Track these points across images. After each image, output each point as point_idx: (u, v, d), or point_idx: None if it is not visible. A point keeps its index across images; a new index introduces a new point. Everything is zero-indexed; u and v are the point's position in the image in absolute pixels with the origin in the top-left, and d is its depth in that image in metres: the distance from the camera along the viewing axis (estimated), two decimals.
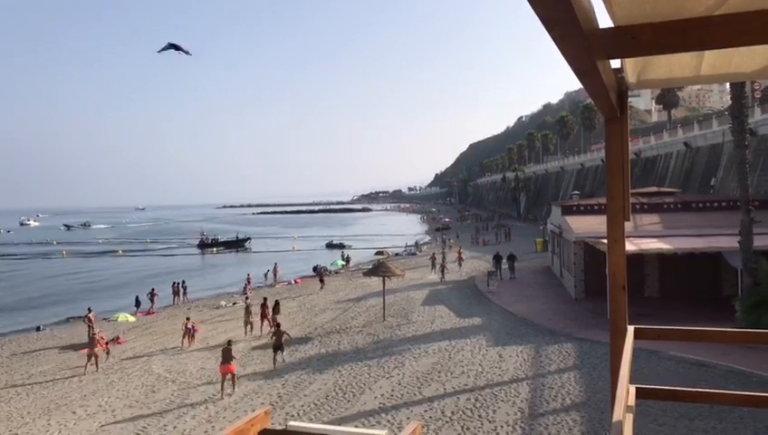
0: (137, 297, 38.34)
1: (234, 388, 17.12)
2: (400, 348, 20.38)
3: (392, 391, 15.84)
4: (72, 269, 64.15)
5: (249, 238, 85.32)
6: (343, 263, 55.21)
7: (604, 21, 2.01)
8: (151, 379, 19.32)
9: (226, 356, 17.18)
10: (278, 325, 21.38)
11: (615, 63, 2.63)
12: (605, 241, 3.20)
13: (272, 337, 21.19)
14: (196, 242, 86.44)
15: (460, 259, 43.79)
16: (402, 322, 24.91)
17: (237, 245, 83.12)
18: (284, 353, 20.05)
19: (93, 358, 21.29)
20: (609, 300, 3.16)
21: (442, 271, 37.93)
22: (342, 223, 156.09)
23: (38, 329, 32.62)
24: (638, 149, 62.31)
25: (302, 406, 15.13)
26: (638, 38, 2.05)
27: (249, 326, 25.65)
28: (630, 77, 2.78)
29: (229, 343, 18.39)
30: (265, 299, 27.96)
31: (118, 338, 26.39)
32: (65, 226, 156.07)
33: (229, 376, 17.06)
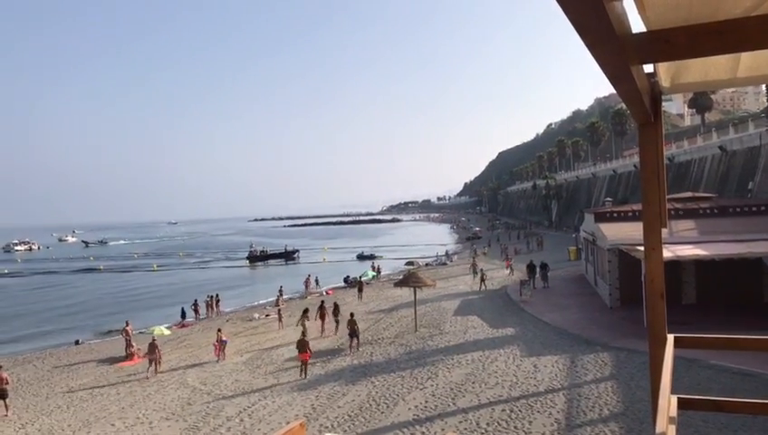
0: (182, 309, 39.58)
1: (306, 374, 19.77)
2: (433, 359, 20.26)
3: (426, 402, 15.73)
4: (111, 284, 65.63)
5: (298, 251, 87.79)
6: (374, 274, 55.32)
7: (637, 25, 1.99)
8: (187, 391, 19.54)
9: (302, 346, 20.22)
10: (351, 315, 24.39)
11: (648, 68, 2.59)
12: (640, 248, 3.14)
13: (348, 325, 23.73)
14: (246, 254, 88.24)
15: (510, 266, 45.59)
16: (434, 332, 24.77)
17: (287, 256, 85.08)
18: (359, 340, 23.24)
19: (153, 363, 22.90)
20: (647, 308, 3.09)
21: (482, 280, 37.52)
22: (372, 234, 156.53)
23: (77, 343, 33.42)
24: (672, 153, 61.19)
25: (336, 418, 15.13)
26: (673, 42, 2.02)
27: (303, 329, 25.64)
28: (664, 81, 2.74)
29: (303, 334, 22.30)
30: (323, 302, 30.21)
31: None
32: (84, 242, 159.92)
33: (305, 363, 20.11)
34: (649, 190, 2.94)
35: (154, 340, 24.04)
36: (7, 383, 19.56)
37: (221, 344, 24.33)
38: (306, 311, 28.49)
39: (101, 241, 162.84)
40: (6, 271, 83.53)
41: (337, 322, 27.58)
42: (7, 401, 19.20)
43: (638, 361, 17.39)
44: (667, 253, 21.40)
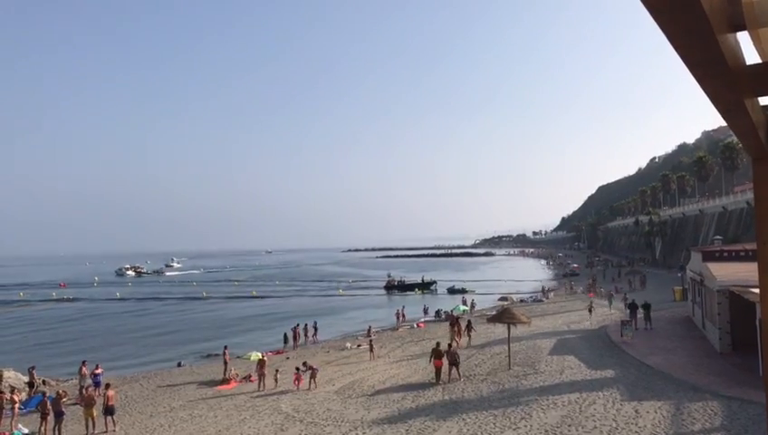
0: (285, 335, 40.91)
1: (440, 378, 23.14)
2: (527, 398, 19.62)
3: None
4: (212, 309, 68.54)
5: (435, 282, 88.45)
6: (466, 308, 54.52)
7: (752, 56, 1.92)
8: (280, 418, 19.94)
9: (437, 354, 23.56)
10: (449, 346, 26.25)
11: (764, 100, 2.48)
12: (755, 290, 2.96)
13: (447, 356, 24.45)
14: (383, 284, 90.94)
15: (612, 296, 47.22)
16: (529, 371, 24.02)
17: (424, 287, 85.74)
18: (459, 370, 23.83)
19: (262, 378, 25.55)
20: (763, 355, 2.90)
21: (590, 311, 39.59)
22: (464, 267, 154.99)
23: (179, 365, 35.01)
24: None
25: None
26: None
27: (456, 343, 30.49)
28: None
29: (438, 344, 24.72)
30: (457, 319, 35.72)
31: (250, 376, 27.61)
32: (137, 272, 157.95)
33: (439, 369, 23.30)
34: (765, 229, 2.78)
35: (263, 356, 27.69)
36: (114, 401, 20.78)
37: (313, 372, 24.84)
38: (452, 323, 34.03)
39: (157, 271, 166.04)
40: (118, 294, 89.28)
41: (470, 337, 32.60)
42: (115, 417, 20.37)
43: (752, 412, 16.12)
44: None
